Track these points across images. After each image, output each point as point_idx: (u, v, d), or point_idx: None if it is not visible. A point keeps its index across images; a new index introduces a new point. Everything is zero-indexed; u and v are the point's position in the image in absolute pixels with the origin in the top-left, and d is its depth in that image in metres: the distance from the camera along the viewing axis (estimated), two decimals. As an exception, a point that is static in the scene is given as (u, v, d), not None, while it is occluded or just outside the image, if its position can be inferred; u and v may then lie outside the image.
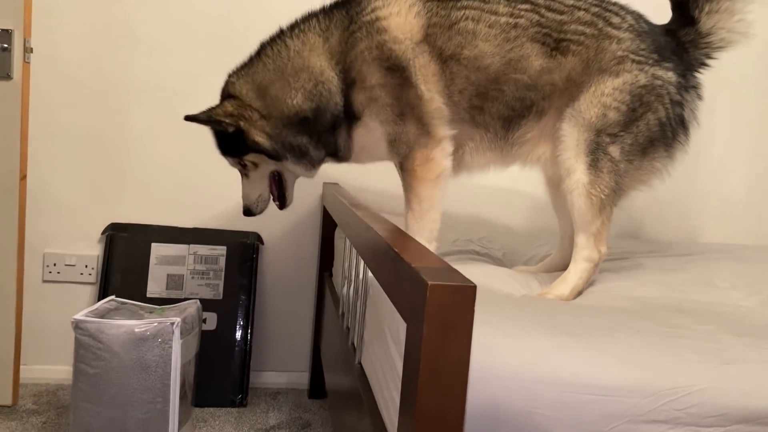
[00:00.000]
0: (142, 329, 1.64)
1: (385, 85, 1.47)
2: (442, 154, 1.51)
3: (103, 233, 2.26)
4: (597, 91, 1.48)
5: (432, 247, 1.50)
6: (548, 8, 1.51)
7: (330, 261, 2.25)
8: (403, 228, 1.61)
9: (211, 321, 2.23)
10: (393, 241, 0.93)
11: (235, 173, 2.33)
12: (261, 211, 1.70)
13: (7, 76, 1.94)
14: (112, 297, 1.88)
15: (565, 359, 0.95)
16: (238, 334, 2.25)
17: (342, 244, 1.84)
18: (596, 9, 1.52)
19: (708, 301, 1.49)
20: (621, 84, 1.48)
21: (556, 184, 1.70)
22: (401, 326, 1.02)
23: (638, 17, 1.56)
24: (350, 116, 1.52)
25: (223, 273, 2.28)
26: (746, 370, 0.99)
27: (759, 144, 2.60)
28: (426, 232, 1.51)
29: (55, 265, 2.26)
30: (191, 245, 2.28)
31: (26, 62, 1.97)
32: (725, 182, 2.60)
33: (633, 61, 1.49)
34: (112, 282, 2.21)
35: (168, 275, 2.25)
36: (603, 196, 1.48)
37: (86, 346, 1.62)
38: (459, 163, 1.60)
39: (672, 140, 1.54)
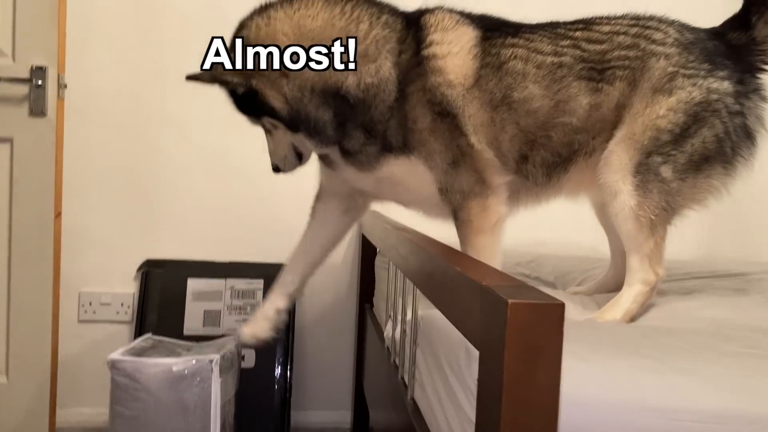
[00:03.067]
0: (180, 368, 1.57)
1: (435, 130, 1.37)
2: (497, 201, 1.41)
3: (138, 270, 2.22)
4: (651, 113, 1.38)
5: None
6: (588, 40, 1.43)
7: (371, 292, 2.17)
8: None
9: (250, 358, 2.15)
10: (453, 261, 0.85)
11: (272, 205, 2.32)
12: (290, 170, 1.51)
13: (42, 113, 1.93)
14: (149, 335, 1.82)
15: (653, 383, 0.85)
16: (278, 372, 2.16)
17: (385, 272, 1.76)
18: (635, 29, 1.44)
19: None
20: (675, 103, 1.38)
21: (601, 203, 1.58)
22: (463, 357, 0.94)
23: (681, 28, 1.46)
24: (387, 141, 1.39)
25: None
26: None
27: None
28: None
29: (90, 304, 2.21)
30: (228, 279, 2.22)
31: (60, 98, 1.96)
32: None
33: (684, 75, 1.39)
34: (148, 320, 2.15)
35: (205, 311, 2.18)
36: (653, 217, 1.37)
37: (123, 386, 1.55)
38: None
39: (732, 156, 1.43)
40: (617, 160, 1.38)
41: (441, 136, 1.37)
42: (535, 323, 0.60)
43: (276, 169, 1.50)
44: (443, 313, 0.88)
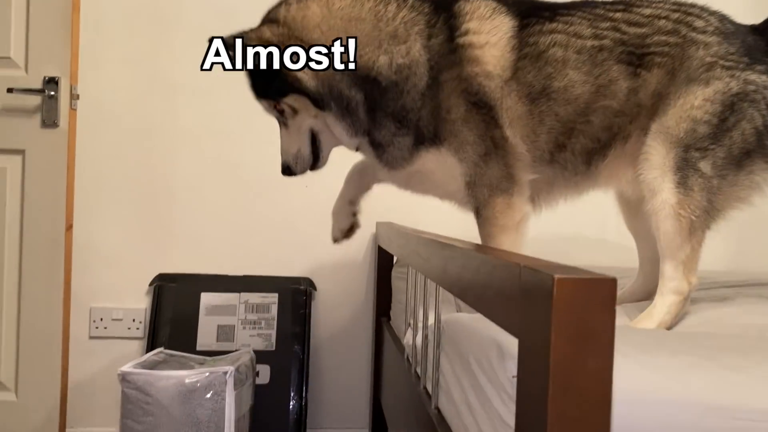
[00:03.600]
0: (193, 380, 1.51)
1: (469, 120, 1.34)
2: (522, 199, 1.38)
3: (150, 284, 2.17)
4: (686, 104, 1.33)
5: None
6: (628, 23, 1.39)
7: (387, 305, 2.11)
8: None
9: (264, 374, 2.09)
10: (483, 250, 0.79)
11: (286, 218, 2.27)
12: (302, 171, 1.44)
13: (54, 124, 1.91)
14: (161, 349, 1.77)
15: (701, 379, 0.78)
16: (293, 389, 2.10)
17: (403, 283, 1.70)
18: (677, 15, 1.40)
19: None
20: (712, 94, 1.33)
21: (633, 206, 1.53)
22: (495, 355, 0.88)
23: (722, 18, 1.42)
24: (420, 131, 1.36)
25: (275, 322, 2.15)
26: None
27: None
28: None
29: (101, 320, 2.16)
30: (242, 293, 2.17)
31: (72, 109, 1.94)
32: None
33: (723, 66, 1.34)
34: (161, 335, 2.10)
35: (218, 326, 2.13)
36: (693, 218, 1.30)
37: (134, 400, 1.50)
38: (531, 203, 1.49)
39: None
40: (656, 156, 1.33)
41: (475, 127, 1.34)
42: (585, 301, 0.54)
43: (286, 170, 1.44)
44: (474, 308, 0.82)
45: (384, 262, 2.15)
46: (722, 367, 0.82)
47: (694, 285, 1.34)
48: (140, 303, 2.18)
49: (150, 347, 2.07)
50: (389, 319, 2.08)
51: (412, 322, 1.51)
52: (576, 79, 1.36)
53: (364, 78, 1.31)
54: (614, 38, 1.37)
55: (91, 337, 2.16)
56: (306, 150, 1.42)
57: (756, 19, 1.46)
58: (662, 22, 1.38)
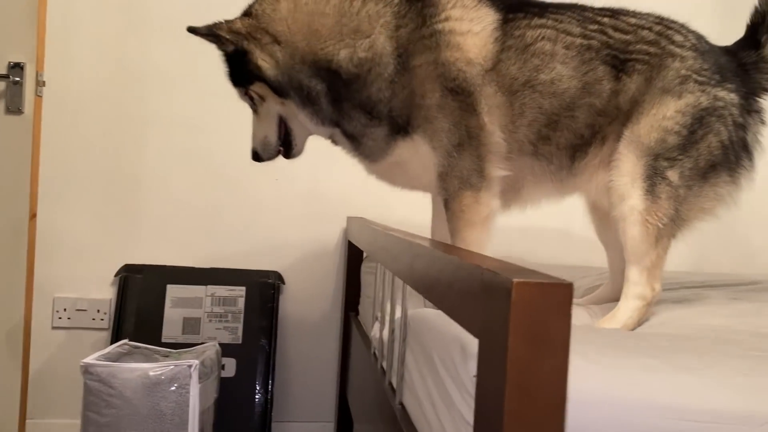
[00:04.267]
0: (157, 372, 1.50)
1: (444, 107, 1.34)
2: (489, 195, 1.39)
3: (116, 275, 2.14)
4: (659, 114, 1.38)
5: None
6: (615, 28, 1.43)
7: (356, 300, 2.11)
8: None
9: (230, 367, 2.08)
10: (449, 251, 0.80)
11: (255, 211, 2.26)
12: (268, 158, 1.49)
13: (18, 111, 1.87)
14: (125, 341, 1.75)
15: (655, 381, 0.81)
16: (259, 382, 2.09)
17: (372, 277, 1.71)
18: (659, 27, 1.45)
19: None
20: (683, 106, 1.38)
21: (604, 215, 1.57)
22: (454, 352, 0.89)
23: (699, 37, 1.47)
24: (393, 122, 1.37)
25: (242, 315, 2.14)
26: None
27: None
28: None
29: (65, 310, 2.13)
30: (208, 286, 2.15)
31: (38, 96, 1.91)
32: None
33: (695, 81, 1.40)
34: (126, 327, 2.08)
35: (184, 318, 2.11)
36: (660, 225, 1.34)
37: (96, 392, 1.48)
38: (516, 198, 1.50)
39: (735, 164, 1.43)
40: (626, 163, 1.36)
41: (450, 114, 1.34)
42: (542, 304, 0.55)
43: (254, 156, 1.49)
44: (438, 307, 0.83)
45: (354, 256, 2.15)
46: (676, 369, 0.84)
47: (657, 292, 1.37)
48: (105, 294, 2.15)
49: (114, 339, 2.05)
50: (357, 313, 2.08)
51: (379, 316, 1.52)
52: (564, 74, 1.38)
53: (325, 70, 1.34)
54: (601, 40, 1.41)
55: (54, 328, 2.13)
56: (273, 137, 1.46)
57: (722, 35, 1.51)
58: (645, 32, 1.43)
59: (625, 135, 1.38)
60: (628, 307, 1.35)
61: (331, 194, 2.20)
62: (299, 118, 1.41)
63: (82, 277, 2.14)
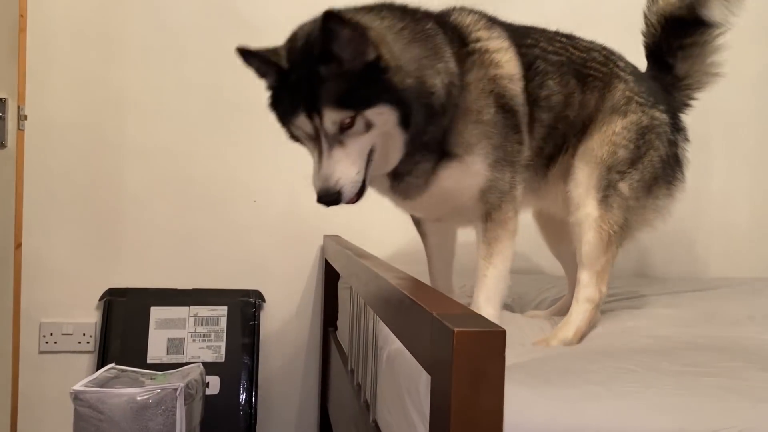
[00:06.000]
0: (144, 397, 1.58)
1: (497, 124, 1.32)
2: (519, 203, 1.42)
3: (100, 299, 2.21)
4: (608, 130, 1.50)
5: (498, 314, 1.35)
6: (574, 47, 1.55)
7: (334, 316, 2.20)
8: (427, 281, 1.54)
9: (214, 385, 2.16)
10: (408, 289, 0.89)
11: (235, 231, 2.33)
12: (349, 198, 1.19)
13: (1, 145, 1.93)
14: (112, 365, 1.82)
15: (595, 409, 0.90)
16: (243, 398, 2.17)
17: (347, 294, 1.79)
18: (605, 52, 1.59)
19: (728, 336, 1.45)
20: (629, 124, 1.51)
21: (555, 229, 1.72)
22: (419, 381, 0.98)
23: (633, 65, 1.62)
24: (443, 149, 1.30)
25: (224, 334, 2.22)
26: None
27: (758, 176, 2.60)
28: (500, 296, 1.35)
29: (51, 334, 2.19)
30: (191, 307, 2.23)
31: (20, 129, 1.97)
32: (727, 217, 2.58)
33: (637, 102, 1.53)
34: (112, 349, 2.14)
35: (168, 339, 2.18)
36: (612, 232, 1.46)
37: (86, 417, 1.55)
38: None
39: (672, 177, 1.58)
40: (581, 175, 1.48)
41: (502, 130, 1.33)
42: (479, 350, 0.65)
43: (334, 197, 1.17)
44: (399, 339, 0.92)
45: (331, 273, 2.23)
46: (616, 395, 0.94)
47: (604, 294, 1.50)
48: (91, 317, 2.21)
49: (101, 361, 2.12)
50: (336, 329, 2.17)
51: (355, 336, 1.60)
52: (554, 89, 1.47)
53: (426, 106, 1.21)
54: (567, 56, 1.52)
55: (41, 352, 2.19)
56: (363, 172, 1.20)
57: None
58: (596, 53, 1.57)
59: (580, 149, 1.50)
60: (579, 311, 1.47)
61: (308, 213, 2.27)
62: (392, 155, 1.24)
63: (68, 301, 2.20)
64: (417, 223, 1.63)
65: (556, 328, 1.48)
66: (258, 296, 2.29)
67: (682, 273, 2.49)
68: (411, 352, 0.83)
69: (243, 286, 2.29)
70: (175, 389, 1.60)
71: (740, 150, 2.57)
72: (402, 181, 1.32)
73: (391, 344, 1.23)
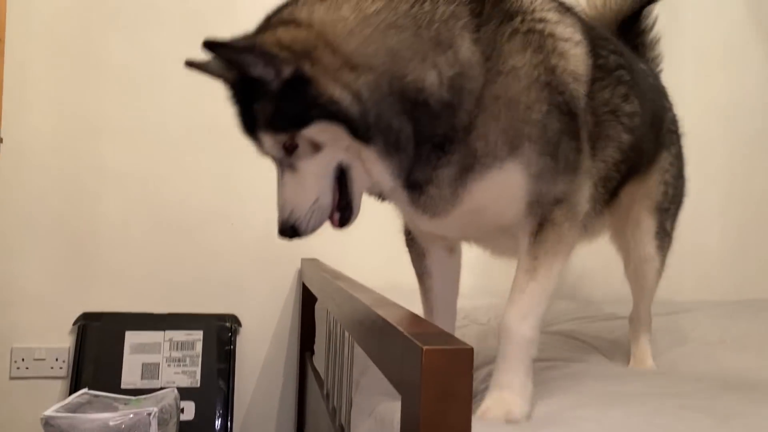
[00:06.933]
0: (117, 422, 1.56)
1: (548, 126, 1.04)
2: (581, 218, 1.16)
3: (74, 324, 2.18)
4: (661, 167, 1.48)
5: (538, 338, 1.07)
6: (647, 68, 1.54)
7: (311, 340, 2.19)
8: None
9: (189, 410, 2.13)
10: (380, 309, 0.90)
11: (210, 255, 2.33)
12: (313, 229, 1.05)
13: (-24, 168, 1.92)
14: (85, 390, 1.79)
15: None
16: (218, 424, 2.14)
17: (324, 318, 1.79)
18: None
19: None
20: (673, 158, 1.50)
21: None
22: (391, 403, 0.99)
23: None
24: (470, 153, 1.03)
25: (200, 359, 2.20)
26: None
27: (728, 200, 2.65)
28: (537, 315, 1.06)
29: (23, 360, 2.15)
30: (167, 331, 2.21)
31: (-5, 153, 1.96)
32: (698, 240, 2.62)
33: (671, 131, 1.52)
34: (85, 375, 2.11)
35: (143, 364, 2.16)
36: (661, 271, 1.56)
37: (57, 444, 1.53)
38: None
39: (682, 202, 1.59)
40: (643, 222, 1.47)
41: (555, 134, 1.05)
42: (447, 368, 0.66)
43: (291, 230, 1.04)
44: (372, 360, 0.93)
45: (308, 297, 2.24)
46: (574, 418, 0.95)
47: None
48: (64, 342, 2.18)
49: (74, 387, 2.08)
50: (313, 353, 2.16)
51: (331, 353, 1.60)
52: (638, 109, 1.26)
53: (412, 102, 0.98)
54: (651, 78, 1.47)
55: (12, 378, 2.15)
56: (328, 198, 1.03)
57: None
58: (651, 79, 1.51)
59: (640, 191, 1.44)
60: (646, 341, 1.53)
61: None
62: (374, 169, 1.01)
63: (41, 326, 2.17)
64: (419, 257, 1.32)
65: (638, 359, 1.52)
66: (234, 320, 2.28)
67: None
68: (383, 372, 0.84)
69: (219, 310, 2.28)
70: (149, 414, 1.59)
71: (710, 174, 2.63)
72: (423, 194, 1.05)
73: (365, 367, 1.23)
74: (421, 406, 0.66)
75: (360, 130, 0.96)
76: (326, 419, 1.55)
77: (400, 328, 0.75)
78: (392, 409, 0.97)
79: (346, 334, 1.35)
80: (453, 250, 1.32)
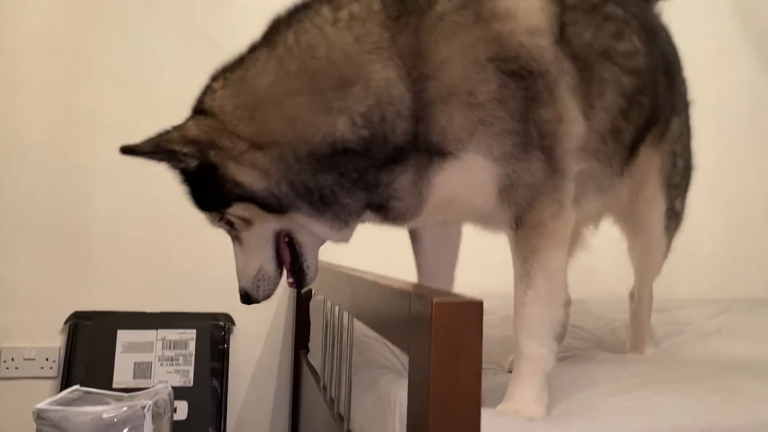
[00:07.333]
0: (111, 415, 1.52)
1: (505, 100, 0.98)
2: (570, 200, 1.06)
3: (65, 323, 2.15)
4: (671, 133, 1.36)
5: (553, 349, 1.01)
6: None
7: (306, 338, 2.18)
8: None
9: (182, 410, 2.10)
10: (382, 280, 0.90)
11: (203, 254, 2.31)
12: (266, 296, 1.13)
13: (-33, 162, 1.90)
14: (76, 387, 1.76)
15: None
16: (211, 424, 2.11)
17: (320, 310, 1.78)
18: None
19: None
20: (682, 124, 1.41)
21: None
22: (393, 377, 0.98)
23: None
24: (425, 150, 1.00)
25: (193, 358, 2.17)
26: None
27: (718, 201, 2.68)
28: (548, 327, 1.01)
29: (12, 360, 2.12)
30: (159, 330, 2.18)
31: (-13, 148, 1.94)
32: (690, 240, 2.63)
33: (682, 93, 1.43)
34: (75, 374, 2.08)
35: (135, 363, 2.13)
36: (667, 252, 1.50)
37: (49, 437, 1.50)
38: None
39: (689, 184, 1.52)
40: (652, 198, 1.37)
41: (515, 107, 0.99)
42: (457, 319, 0.65)
43: (245, 297, 1.14)
44: (378, 332, 0.92)
45: (302, 296, 2.22)
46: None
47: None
48: (54, 342, 2.15)
49: (64, 387, 2.04)
50: (308, 351, 2.14)
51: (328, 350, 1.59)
52: (638, 47, 1.16)
53: (329, 156, 0.98)
54: (653, 18, 1.33)
55: (1, 378, 2.11)
56: (270, 266, 1.09)
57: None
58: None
59: (651, 159, 1.32)
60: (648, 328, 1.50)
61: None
62: (314, 229, 1.04)
63: (31, 325, 2.14)
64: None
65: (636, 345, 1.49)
66: (228, 320, 2.26)
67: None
68: (390, 340, 0.84)
69: (212, 309, 2.25)
70: (143, 407, 1.56)
71: (699, 174, 2.64)
72: (389, 210, 1.04)
73: (365, 349, 1.23)
74: (431, 360, 0.65)
75: (270, 206, 1.00)
76: (324, 412, 1.54)
77: (407, 289, 0.75)
78: (396, 383, 0.97)
79: (345, 319, 1.34)
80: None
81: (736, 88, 2.69)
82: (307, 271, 1.10)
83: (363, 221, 1.09)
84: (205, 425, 2.11)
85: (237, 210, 1.03)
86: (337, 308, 1.42)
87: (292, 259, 1.09)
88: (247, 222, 1.05)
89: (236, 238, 1.10)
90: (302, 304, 2.21)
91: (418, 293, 0.71)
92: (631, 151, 1.22)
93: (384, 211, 1.04)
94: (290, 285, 1.13)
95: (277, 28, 1.04)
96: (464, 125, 0.98)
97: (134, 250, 2.21)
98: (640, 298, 1.50)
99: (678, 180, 1.38)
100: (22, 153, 2.14)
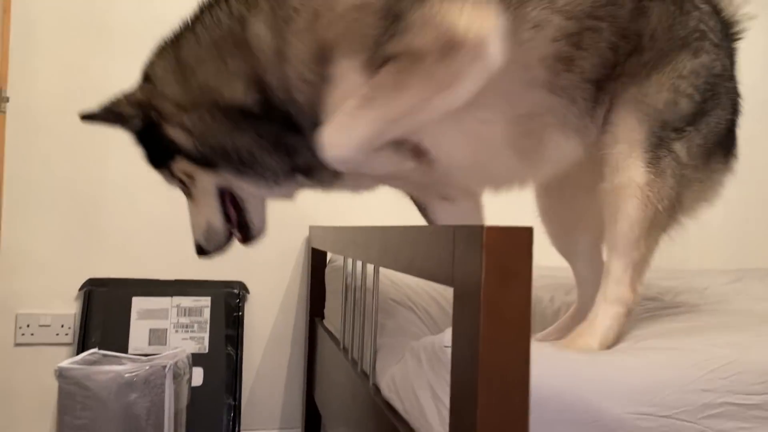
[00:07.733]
0: (132, 374, 1.54)
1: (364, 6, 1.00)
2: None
3: (80, 289, 2.15)
4: (672, 71, 1.13)
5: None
6: None
7: (321, 305, 2.18)
8: None
9: (197, 376, 2.11)
10: (417, 227, 0.89)
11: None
12: (216, 248, 1.23)
13: (-18, 127, 1.89)
14: (95, 350, 1.77)
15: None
16: (227, 390, 2.13)
17: (339, 279, 1.78)
18: None
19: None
20: (699, 66, 1.15)
21: (563, 214, 1.38)
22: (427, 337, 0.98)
23: None
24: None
25: (208, 325, 2.18)
26: None
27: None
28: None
29: (28, 326, 2.12)
30: (174, 297, 2.19)
31: (1, 112, 1.92)
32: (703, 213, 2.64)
33: (711, 41, 1.17)
34: (91, 340, 2.08)
35: (150, 330, 2.14)
36: (660, 207, 1.10)
37: (71, 395, 1.51)
38: (533, 153, 1.15)
39: (732, 146, 1.25)
40: (624, 127, 1.13)
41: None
42: (509, 245, 0.65)
43: (200, 250, 1.25)
44: (414, 274, 0.92)
45: (317, 263, 2.22)
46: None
47: (637, 298, 1.14)
48: (70, 308, 2.15)
49: (79, 352, 2.05)
50: (323, 318, 2.15)
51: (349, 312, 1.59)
52: None
53: (242, 114, 1.08)
54: None
55: (17, 345, 2.12)
56: (217, 220, 1.20)
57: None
58: None
59: (627, 94, 1.13)
60: (607, 315, 1.09)
61: (292, 204, 2.26)
62: (243, 187, 1.16)
63: (46, 292, 2.14)
64: (423, 211, 1.33)
65: (575, 333, 1.13)
66: (242, 287, 2.26)
67: (663, 264, 2.53)
68: (429, 278, 0.83)
69: (227, 277, 2.26)
70: (164, 366, 1.57)
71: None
72: (315, 172, 1.13)
73: (392, 313, 1.22)
74: (483, 288, 0.65)
75: (198, 160, 1.12)
76: (346, 371, 1.54)
77: (451, 226, 0.74)
78: (431, 340, 0.97)
79: (368, 281, 1.33)
80: (453, 201, 1.26)
81: (750, 56, 2.67)
82: (252, 226, 1.21)
83: (301, 185, 1.18)
84: (221, 391, 2.12)
85: (179, 164, 1.16)
86: (359, 269, 1.42)
87: (237, 215, 1.20)
88: (190, 177, 1.16)
89: (188, 195, 1.22)
90: (317, 271, 2.22)
91: (462, 227, 0.70)
92: (599, 86, 1.11)
93: (312, 175, 1.13)
94: (239, 240, 1.24)
95: (207, 6, 1.15)
96: (336, 42, 1.01)
97: (149, 217, 2.21)
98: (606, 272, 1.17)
99: (678, 123, 1.12)
100: (37, 121, 2.13)
